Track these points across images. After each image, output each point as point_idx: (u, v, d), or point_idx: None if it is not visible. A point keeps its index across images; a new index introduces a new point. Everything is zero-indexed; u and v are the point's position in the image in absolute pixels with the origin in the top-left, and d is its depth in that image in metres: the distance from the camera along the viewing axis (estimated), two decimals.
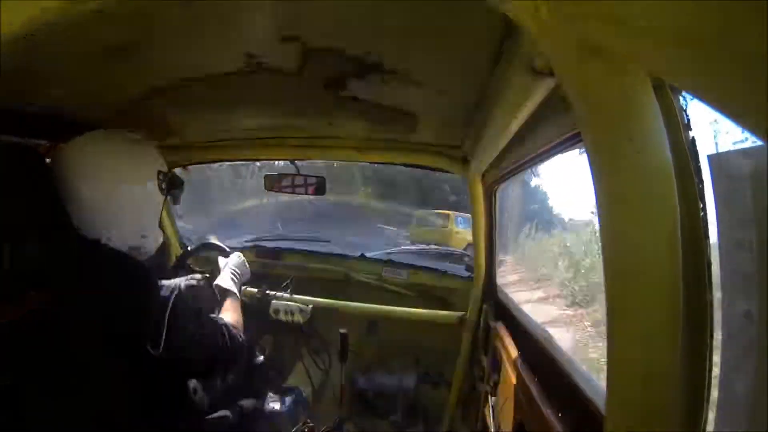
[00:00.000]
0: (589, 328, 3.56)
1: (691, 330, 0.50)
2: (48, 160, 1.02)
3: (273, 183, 1.94)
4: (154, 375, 0.97)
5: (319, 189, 1.93)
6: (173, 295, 1.00)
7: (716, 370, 0.50)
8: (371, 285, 2.21)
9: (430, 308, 2.08)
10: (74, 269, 0.94)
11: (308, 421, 1.84)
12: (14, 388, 0.86)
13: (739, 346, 0.45)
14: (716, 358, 0.50)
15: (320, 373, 2.09)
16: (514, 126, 0.88)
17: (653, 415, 0.44)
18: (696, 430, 0.51)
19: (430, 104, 1.12)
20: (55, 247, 0.94)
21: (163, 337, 0.95)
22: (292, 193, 1.94)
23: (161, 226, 1.19)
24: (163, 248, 1.65)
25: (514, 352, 1.23)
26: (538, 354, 1.14)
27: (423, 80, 0.94)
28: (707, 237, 0.52)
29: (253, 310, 2.07)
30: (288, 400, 1.74)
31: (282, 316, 2.02)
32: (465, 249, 5.97)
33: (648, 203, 0.42)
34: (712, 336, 0.51)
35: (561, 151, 0.95)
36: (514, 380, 1.14)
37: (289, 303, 2.04)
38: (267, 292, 2.08)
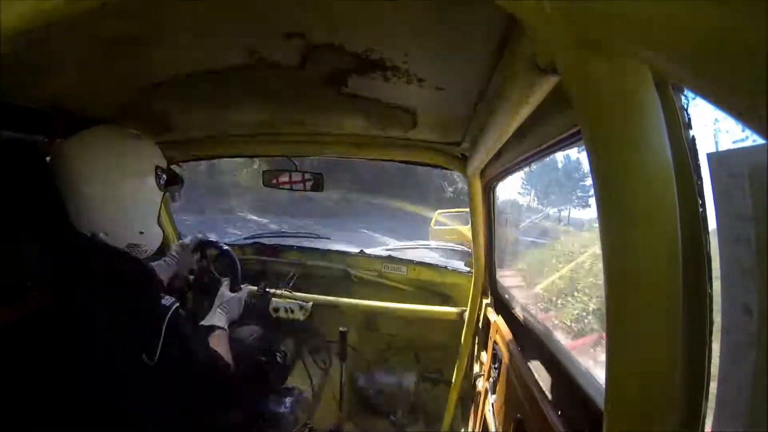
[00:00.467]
0: None
1: (690, 328, 0.50)
2: (48, 157, 1.02)
3: (271, 179, 1.94)
4: (148, 384, 0.97)
5: (317, 185, 1.93)
6: (172, 309, 1.01)
7: (715, 366, 0.50)
8: (371, 281, 2.22)
9: (429, 304, 2.09)
10: (75, 269, 0.94)
11: (308, 421, 1.85)
12: (14, 387, 0.86)
13: (738, 341, 0.45)
14: (715, 353, 0.50)
15: (320, 373, 2.09)
16: (515, 123, 0.88)
17: (653, 413, 0.44)
18: (695, 428, 0.52)
19: (430, 101, 1.12)
20: (55, 245, 0.94)
21: (159, 348, 0.95)
22: (290, 189, 1.94)
23: (159, 223, 1.19)
24: (163, 246, 1.64)
25: (514, 349, 1.24)
26: (538, 350, 1.14)
27: (424, 77, 0.94)
28: (707, 234, 0.52)
29: (252, 308, 2.07)
30: (288, 400, 1.74)
31: (282, 314, 2.02)
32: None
33: (648, 201, 0.42)
34: (711, 333, 0.52)
35: (561, 149, 0.95)
36: (514, 378, 1.15)
37: (289, 300, 2.05)
38: (267, 289, 2.08)
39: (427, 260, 2.42)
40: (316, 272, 2.26)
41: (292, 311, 2.02)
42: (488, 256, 1.81)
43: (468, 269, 2.02)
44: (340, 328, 1.84)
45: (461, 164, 1.65)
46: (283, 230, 2.68)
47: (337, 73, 0.97)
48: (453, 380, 1.97)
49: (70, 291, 0.91)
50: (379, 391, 2.17)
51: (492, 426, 1.30)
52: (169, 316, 0.99)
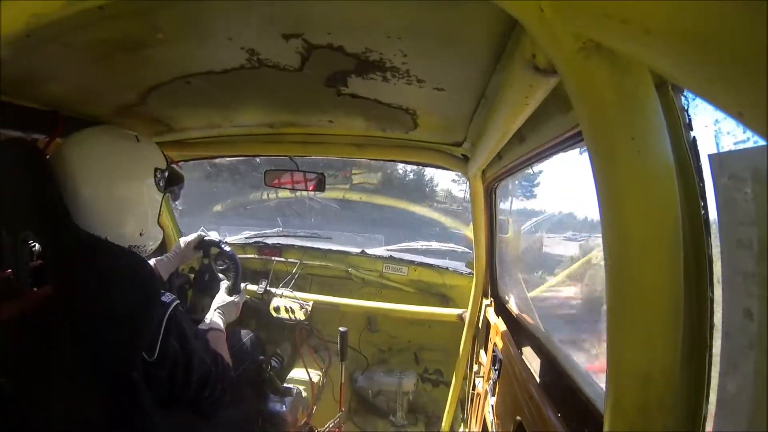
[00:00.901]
0: None
1: (691, 329, 0.50)
2: (48, 156, 1.02)
3: (273, 179, 1.94)
4: (147, 380, 0.97)
5: (319, 185, 1.93)
6: (172, 306, 1.01)
7: (716, 368, 0.50)
8: (372, 281, 2.22)
9: (430, 305, 2.09)
10: (75, 266, 0.94)
11: (308, 421, 1.85)
12: (13, 385, 0.87)
13: (738, 343, 0.45)
14: (716, 356, 0.50)
15: (320, 373, 2.09)
16: (516, 124, 0.88)
17: (653, 415, 0.44)
18: (695, 429, 0.51)
19: (430, 102, 1.12)
20: (56, 243, 0.94)
21: (159, 343, 0.95)
22: (292, 189, 1.95)
23: (160, 223, 1.19)
24: (163, 246, 1.65)
25: (513, 350, 1.23)
26: (537, 351, 1.14)
27: (424, 78, 0.94)
28: (708, 236, 0.52)
29: (253, 307, 2.07)
30: (288, 400, 1.74)
31: (282, 313, 2.03)
32: None
33: (649, 202, 0.42)
34: (712, 335, 0.51)
35: (562, 150, 0.95)
36: (513, 379, 1.14)
37: (289, 300, 2.05)
38: (268, 289, 2.08)
39: (428, 261, 2.42)
40: (317, 272, 2.26)
41: (293, 311, 2.02)
42: (489, 258, 1.81)
43: (468, 270, 2.02)
44: (340, 328, 1.85)
45: (462, 165, 1.64)
46: (283, 230, 2.67)
47: (336, 74, 0.96)
48: (453, 381, 1.97)
49: (69, 287, 0.91)
50: (378, 391, 2.17)
51: (492, 427, 1.30)
52: (169, 312, 0.99)
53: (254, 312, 2.11)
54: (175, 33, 0.79)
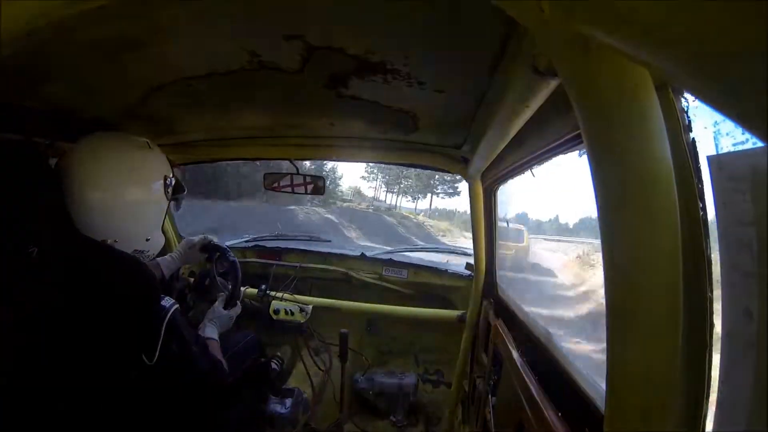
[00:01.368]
0: None
1: (691, 329, 0.50)
2: (51, 159, 1.02)
3: (272, 182, 1.94)
4: (146, 384, 0.97)
5: (318, 189, 1.93)
6: (171, 310, 1.01)
7: (716, 368, 0.50)
8: (372, 284, 2.22)
9: (430, 307, 2.09)
10: (75, 269, 0.94)
11: (309, 422, 1.85)
12: (14, 386, 0.87)
13: (738, 343, 0.45)
14: (716, 357, 0.50)
15: (320, 374, 2.09)
16: (515, 126, 0.88)
17: (653, 415, 0.44)
18: (696, 429, 0.52)
19: (430, 104, 1.12)
20: (56, 246, 0.94)
21: (159, 347, 0.95)
22: (292, 192, 1.95)
23: (162, 229, 1.19)
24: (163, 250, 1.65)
25: (514, 351, 1.23)
26: (538, 352, 1.14)
27: (424, 80, 0.94)
28: (707, 237, 0.52)
29: (253, 310, 2.07)
30: (288, 401, 1.74)
31: (282, 316, 2.02)
32: None
33: (648, 203, 0.42)
34: (711, 335, 0.51)
35: (562, 152, 0.95)
36: (514, 379, 1.14)
37: (289, 303, 2.05)
38: (267, 292, 2.08)
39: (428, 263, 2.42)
40: (316, 275, 2.26)
41: (293, 313, 2.02)
42: (489, 259, 1.81)
43: (468, 272, 2.02)
44: (341, 330, 1.84)
45: (462, 167, 1.65)
46: (283, 233, 2.67)
47: (337, 76, 0.97)
48: (453, 382, 1.97)
49: (69, 290, 0.91)
50: (379, 392, 2.16)
51: (492, 428, 1.30)
52: (168, 317, 0.99)
53: (254, 315, 2.11)
54: (177, 34, 0.79)
